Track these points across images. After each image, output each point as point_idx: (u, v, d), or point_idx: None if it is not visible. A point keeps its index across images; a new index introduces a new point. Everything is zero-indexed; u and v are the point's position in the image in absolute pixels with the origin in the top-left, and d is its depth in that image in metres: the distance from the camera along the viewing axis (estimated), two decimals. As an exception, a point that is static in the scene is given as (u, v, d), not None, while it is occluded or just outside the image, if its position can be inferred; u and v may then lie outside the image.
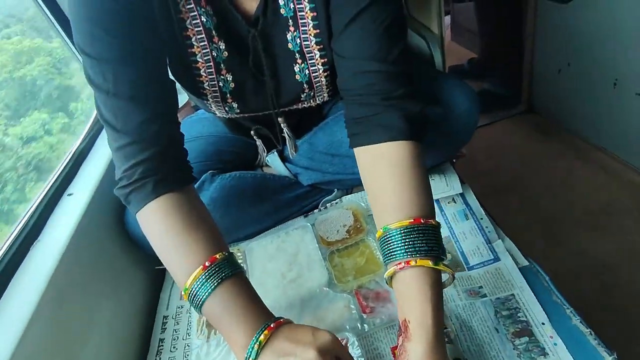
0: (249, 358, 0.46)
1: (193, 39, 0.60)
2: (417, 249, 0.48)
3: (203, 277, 0.50)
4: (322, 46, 0.61)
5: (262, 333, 0.47)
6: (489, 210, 0.75)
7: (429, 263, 0.48)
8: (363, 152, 0.57)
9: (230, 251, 0.55)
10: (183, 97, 1.10)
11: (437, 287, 0.49)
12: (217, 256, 0.51)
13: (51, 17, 0.87)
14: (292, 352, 0.45)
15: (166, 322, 0.70)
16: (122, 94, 0.52)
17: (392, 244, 0.50)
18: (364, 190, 0.69)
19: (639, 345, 0.93)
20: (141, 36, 0.53)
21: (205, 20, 0.59)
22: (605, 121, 1.33)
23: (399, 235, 0.49)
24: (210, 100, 0.67)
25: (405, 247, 0.49)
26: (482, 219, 0.72)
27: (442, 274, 0.51)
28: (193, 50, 0.61)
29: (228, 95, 0.66)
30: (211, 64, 0.62)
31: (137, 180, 0.52)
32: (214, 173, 0.80)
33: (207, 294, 0.49)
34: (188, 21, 0.58)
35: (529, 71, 1.53)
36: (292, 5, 0.59)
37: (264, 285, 0.71)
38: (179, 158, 0.58)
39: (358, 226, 0.76)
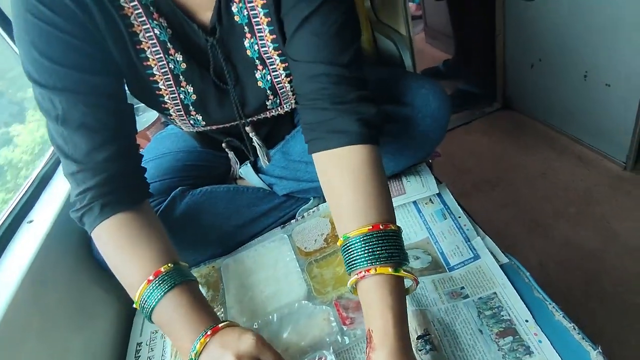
0: None
1: (148, 52, 0.58)
2: (376, 256, 0.48)
3: (155, 283, 0.51)
4: (280, 51, 0.60)
5: (199, 341, 0.49)
6: (471, 208, 0.73)
7: (389, 270, 0.47)
8: (320, 158, 0.56)
9: (180, 262, 0.56)
10: (153, 113, 1.08)
11: (398, 294, 0.48)
12: (170, 264, 0.53)
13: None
14: (218, 357, 0.48)
15: (140, 349, 0.67)
16: (71, 122, 0.52)
17: (352, 253, 0.49)
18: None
19: (630, 331, 0.93)
20: (87, 62, 0.53)
21: (159, 32, 0.57)
22: (578, 112, 1.34)
23: (359, 243, 0.49)
24: (174, 114, 0.65)
25: (365, 254, 0.48)
26: (460, 217, 0.70)
27: (405, 280, 0.50)
28: (149, 63, 0.59)
29: (191, 107, 0.64)
30: (169, 76, 0.61)
31: (87, 204, 0.54)
32: (184, 189, 0.77)
33: (156, 301, 0.51)
34: (141, 34, 0.57)
35: (502, 68, 1.55)
36: (245, 12, 0.58)
37: (241, 303, 0.69)
38: (130, 180, 0.59)
39: (335, 234, 0.74)
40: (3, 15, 0.86)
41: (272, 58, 0.61)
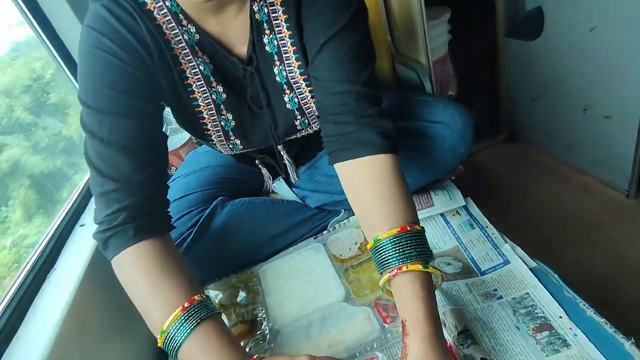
0: None
1: (194, 86, 0.65)
2: (407, 255, 0.52)
3: (182, 318, 0.51)
4: (306, 76, 0.66)
5: None
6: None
7: (419, 267, 0.52)
8: (344, 167, 0.61)
9: (207, 294, 0.56)
10: (185, 134, 1.14)
11: (428, 287, 0.52)
12: (196, 297, 0.53)
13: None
14: None
15: None
16: (115, 143, 0.55)
17: (383, 254, 0.54)
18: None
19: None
20: (141, 92, 0.58)
21: (203, 68, 0.64)
22: (580, 144, 1.42)
23: (390, 244, 0.53)
24: (215, 139, 0.71)
25: (397, 254, 0.53)
26: (487, 227, 0.75)
27: (433, 276, 0.54)
28: (194, 95, 0.66)
29: (230, 133, 0.71)
30: (212, 106, 0.67)
31: (118, 225, 0.54)
32: (225, 199, 0.82)
33: (184, 336, 0.50)
34: (187, 71, 0.64)
35: (505, 102, 1.65)
36: (275, 43, 0.64)
37: (282, 307, 0.71)
38: (160, 207, 0.61)
39: (368, 244, 0.78)
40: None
41: (298, 82, 0.67)
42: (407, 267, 0.52)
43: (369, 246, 0.57)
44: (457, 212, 0.80)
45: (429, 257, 0.54)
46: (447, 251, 0.74)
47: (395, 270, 0.52)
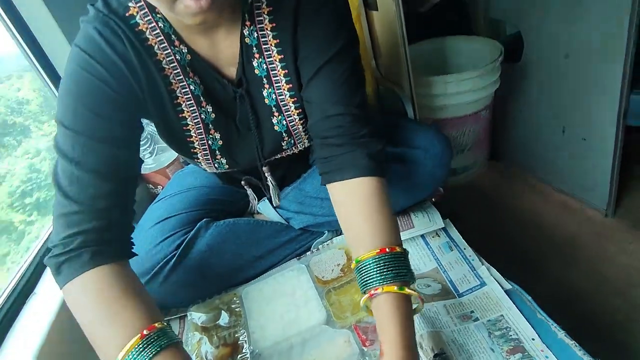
0: None
1: (183, 105, 0.66)
2: (384, 275, 0.54)
3: (140, 346, 0.48)
4: (295, 99, 0.68)
5: None
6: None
7: (394, 288, 0.54)
8: (335, 188, 0.63)
9: (168, 322, 0.55)
10: (172, 152, 1.15)
11: (404, 309, 0.54)
12: (156, 325, 0.51)
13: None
14: None
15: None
16: (86, 165, 0.54)
17: (365, 274, 0.56)
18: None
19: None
20: (122, 117, 0.58)
21: (193, 88, 0.65)
22: (558, 164, 1.47)
23: (372, 265, 0.55)
24: (201, 158, 0.72)
25: (377, 275, 0.54)
26: (465, 249, 0.77)
27: (413, 299, 0.56)
28: (184, 115, 0.67)
29: (217, 151, 0.72)
30: (200, 125, 0.68)
31: (74, 249, 0.52)
32: (209, 220, 0.83)
33: None
34: (178, 91, 0.65)
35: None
36: (264, 66, 0.66)
37: (264, 330, 0.72)
38: (122, 234, 0.59)
39: (351, 264, 0.80)
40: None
41: (287, 105, 0.69)
42: (383, 289, 0.53)
43: (352, 266, 0.59)
44: (436, 233, 0.82)
45: (409, 279, 0.56)
46: (427, 273, 0.76)
47: (373, 291, 0.54)
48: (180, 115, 0.67)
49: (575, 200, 1.46)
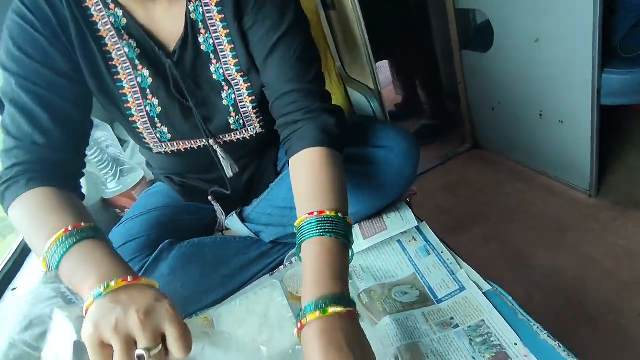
0: (91, 298, 0.45)
1: (119, 67, 0.67)
2: (321, 230, 0.53)
3: (65, 237, 0.50)
4: (243, 72, 0.69)
5: (115, 280, 0.46)
6: (455, 244, 0.77)
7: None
8: (290, 163, 0.63)
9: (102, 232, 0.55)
10: (138, 174, 1.10)
11: (333, 251, 0.53)
12: (83, 224, 0.53)
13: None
14: (124, 304, 0.44)
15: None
16: (21, 104, 0.60)
17: (300, 233, 0.55)
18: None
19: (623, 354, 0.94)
20: (50, 62, 0.61)
21: (128, 50, 0.66)
22: (538, 148, 1.44)
23: (308, 225, 0.54)
24: (141, 127, 0.71)
25: (314, 229, 0.54)
26: (442, 252, 0.74)
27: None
28: (119, 77, 0.68)
29: (156, 119, 0.71)
30: (137, 89, 0.69)
31: (13, 177, 0.58)
32: (172, 242, 0.78)
33: (64, 251, 0.49)
34: (113, 52, 0.66)
35: (467, 112, 1.67)
36: (211, 41, 0.68)
37: (236, 352, 0.68)
38: (63, 168, 0.62)
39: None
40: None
41: (236, 79, 0.70)
42: (312, 315, 0.48)
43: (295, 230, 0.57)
44: (413, 238, 0.78)
45: (339, 231, 0.54)
46: (404, 279, 0.72)
47: (303, 321, 0.49)
48: (115, 78, 0.67)
49: (559, 183, 1.44)
